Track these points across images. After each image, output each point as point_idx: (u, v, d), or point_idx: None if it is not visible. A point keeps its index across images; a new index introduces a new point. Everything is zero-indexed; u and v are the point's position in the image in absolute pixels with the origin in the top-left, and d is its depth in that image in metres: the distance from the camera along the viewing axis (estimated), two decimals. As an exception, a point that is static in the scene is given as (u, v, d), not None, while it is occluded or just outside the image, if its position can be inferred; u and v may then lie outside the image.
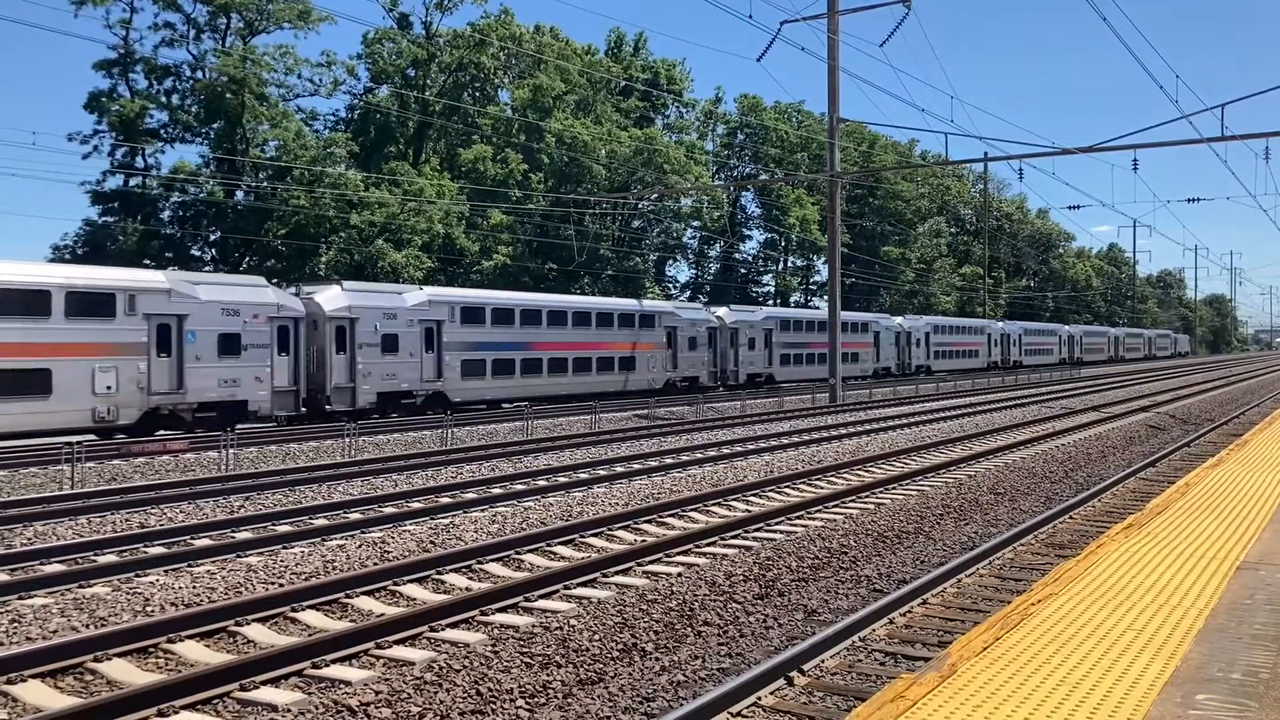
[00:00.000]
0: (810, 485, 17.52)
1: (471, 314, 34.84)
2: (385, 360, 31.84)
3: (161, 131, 52.36)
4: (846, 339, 54.15)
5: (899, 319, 65.97)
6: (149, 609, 9.48)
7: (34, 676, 7.63)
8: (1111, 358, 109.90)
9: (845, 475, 18.71)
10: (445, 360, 33.54)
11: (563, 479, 18.25)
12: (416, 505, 15.37)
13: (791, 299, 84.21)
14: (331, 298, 30.78)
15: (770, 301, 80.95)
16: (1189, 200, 74.80)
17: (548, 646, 8.25)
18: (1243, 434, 21.05)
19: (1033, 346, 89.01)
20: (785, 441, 24.35)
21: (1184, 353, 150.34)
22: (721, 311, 49.39)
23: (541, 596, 9.94)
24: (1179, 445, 23.85)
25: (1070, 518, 14.47)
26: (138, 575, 10.97)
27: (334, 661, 8.01)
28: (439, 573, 10.93)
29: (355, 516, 14.49)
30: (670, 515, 14.48)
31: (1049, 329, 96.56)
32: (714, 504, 15.43)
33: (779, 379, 52.07)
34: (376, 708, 6.97)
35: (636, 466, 19.96)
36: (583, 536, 12.95)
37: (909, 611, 9.55)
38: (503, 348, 35.75)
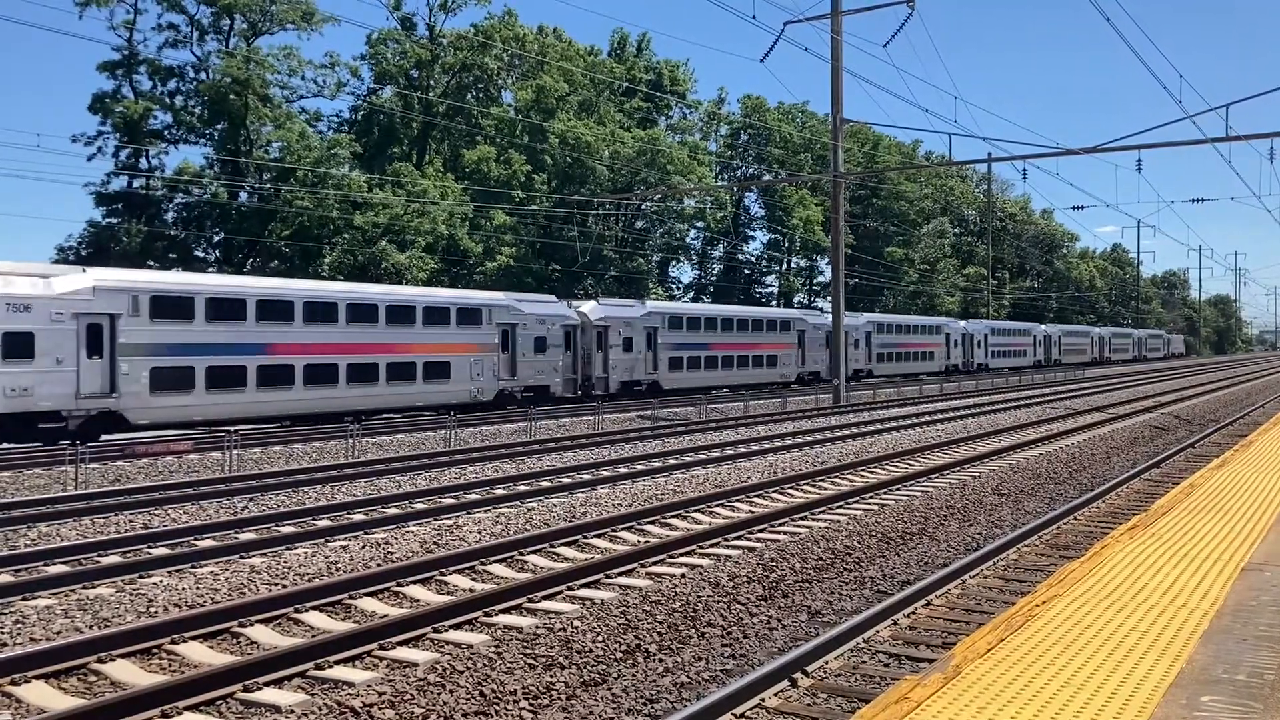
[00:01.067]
0: (814, 486, 17.50)
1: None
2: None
3: (165, 133, 52.60)
4: (762, 338, 50.43)
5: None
6: (153, 610, 9.48)
7: (38, 677, 7.63)
8: (1095, 359, 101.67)
9: (849, 476, 18.69)
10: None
11: (566, 480, 18.25)
12: (420, 506, 15.37)
13: (795, 299, 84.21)
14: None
15: (774, 302, 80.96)
16: (1193, 201, 74.72)
17: (551, 648, 8.25)
18: (1248, 435, 21.01)
19: (1001, 348, 79.27)
20: (789, 442, 24.33)
21: (1177, 354, 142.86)
22: (587, 306, 41.41)
23: (545, 598, 9.93)
24: (1183, 446, 23.81)
25: (1074, 519, 14.44)
26: (141, 576, 10.98)
27: (337, 663, 8.00)
28: (442, 574, 10.92)
29: (359, 517, 14.50)
30: (674, 516, 14.47)
31: (1021, 328, 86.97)
32: (717, 505, 15.42)
33: (667, 387, 43.74)
34: (380, 709, 6.96)
35: (640, 467, 19.96)
36: (586, 537, 12.94)
37: (913, 613, 9.53)
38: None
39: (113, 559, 11.92)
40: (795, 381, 52.69)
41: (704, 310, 50.39)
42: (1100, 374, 74.75)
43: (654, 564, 11.39)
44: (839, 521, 13.88)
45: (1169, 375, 69.98)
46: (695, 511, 14.87)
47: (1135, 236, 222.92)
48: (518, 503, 15.77)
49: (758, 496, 16.28)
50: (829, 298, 50.92)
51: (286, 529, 13.78)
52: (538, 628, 8.81)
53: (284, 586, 10.35)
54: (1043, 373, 62.11)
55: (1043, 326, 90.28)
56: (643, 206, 66.12)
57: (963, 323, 68.92)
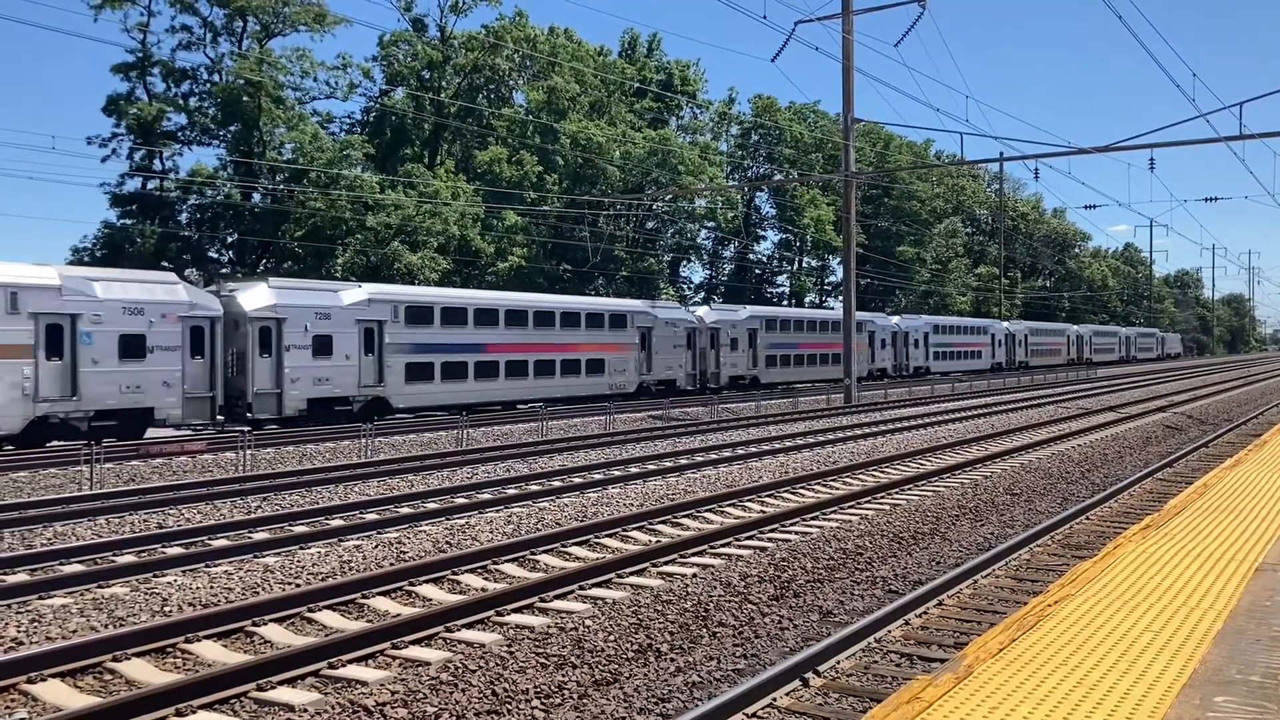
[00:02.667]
0: (825, 486, 17.49)
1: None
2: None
3: (179, 134, 52.78)
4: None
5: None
6: (167, 609, 9.53)
7: (54, 676, 7.68)
8: (1074, 360, 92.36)
9: (860, 476, 18.67)
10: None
11: (578, 479, 18.27)
12: (432, 506, 15.42)
13: (806, 299, 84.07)
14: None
15: (785, 302, 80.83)
16: (1206, 199, 74.11)
17: (563, 647, 8.26)
18: (1262, 434, 20.91)
19: (950, 348, 71.18)
20: (800, 442, 24.31)
21: (1174, 354, 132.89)
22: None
23: (557, 597, 9.95)
24: (1197, 445, 23.71)
25: (1087, 518, 14.41)
26: (156, 575, 11.04)
27: (350, 662, 8.04)
28: (455, 573, 10.95)
29: (372, 517, 14.55)
30: (685, 516, 14.48)
31: (978, 325, 77.72)
32: (729, 505, 15.42)
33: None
34: (392, 708, 6.99)
35: (651, 467, 19.97)
36: (598, 537, 12.96)
37: (925, 613, 9.53)
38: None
39: (128, 558, 11.99)
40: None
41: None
42: (1112, 373, 74.36)
43: (666, 563, 11.40)
44: (850, 521, 13.87)
45: (1181, 375, 69.66)
46: (707, 511, 14.87)
47: (1148, 236, 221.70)
48: (530, 502, 15.80)
49: (769, 496, 16.28)
50: (840, 297, 51.13)
51: (300, 528, 13.84)
52: (550, 627, 8.83)
53: (297, 586, 10.39)
54: (1001, 376, 60.73)
55: (1006, 324, 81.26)
56: (654, 207, 66.07)
57: (896, 319, 69.15)
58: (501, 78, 63.63)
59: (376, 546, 12.29)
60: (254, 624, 9.03)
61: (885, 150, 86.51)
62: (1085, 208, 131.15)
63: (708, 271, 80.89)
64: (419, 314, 32.44)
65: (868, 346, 58.66)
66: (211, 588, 10.29)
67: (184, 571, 11.24)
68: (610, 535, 13.13)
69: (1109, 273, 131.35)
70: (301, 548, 12.45)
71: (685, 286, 75.94)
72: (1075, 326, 78.50)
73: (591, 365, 39.00)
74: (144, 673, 7.91)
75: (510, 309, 35.88)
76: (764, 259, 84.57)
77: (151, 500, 15.82)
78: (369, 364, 30.65)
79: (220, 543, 12.85)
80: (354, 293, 31.11)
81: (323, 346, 29.26)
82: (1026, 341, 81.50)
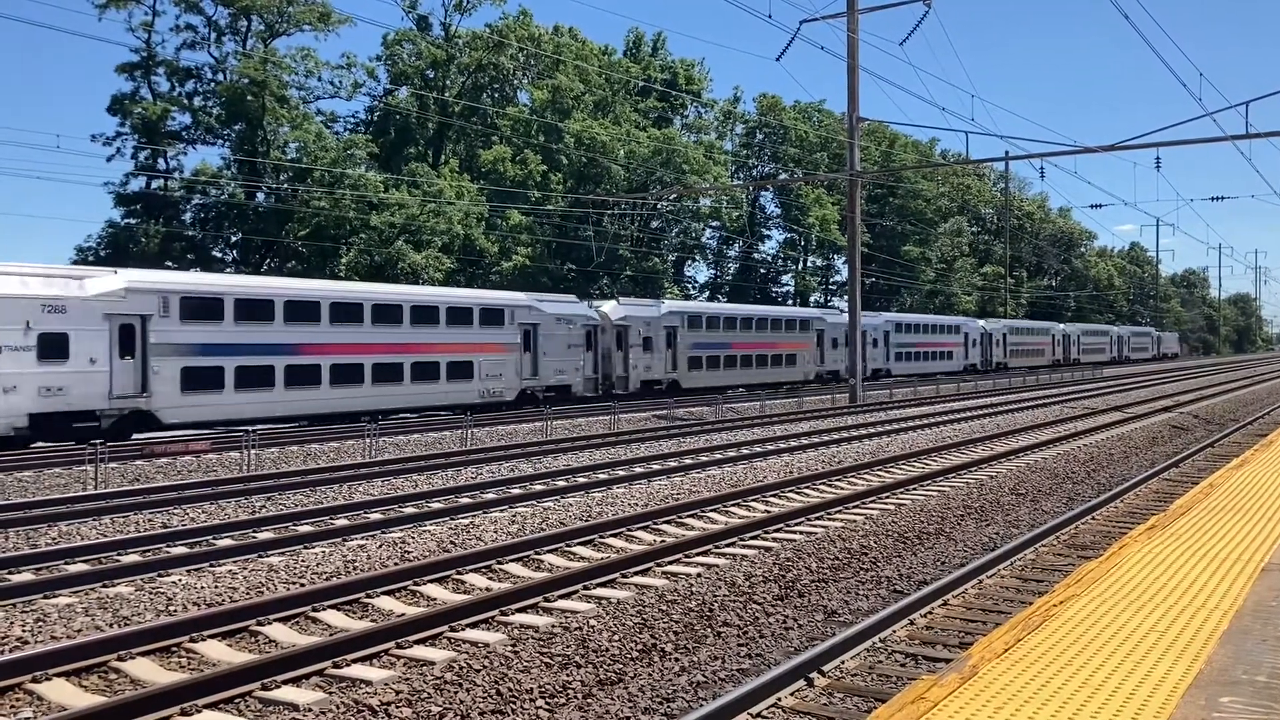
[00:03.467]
0: (830, 486, 17.47)
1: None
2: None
3: (183, 134, 52.87)
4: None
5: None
6: (171, 608, 9.54)
7: (59, 675, 7.69)
8: (1059, 361, 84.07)
9: (865, 476, 18.65)
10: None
11: (582, 479, 18.27)
12: (437, 505, 15.42)
13: (811, 299, 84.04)
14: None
15: (791, 301, 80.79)
16: (1213, 199, 74.03)
17: (567, 647, 8.26)
18: (1268, 434, 20.86)
19: (915, 349, 65.38)
20: (805, 442, 24.29)
21: (1170, 354, 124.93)
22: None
23: (561, 597, 9.94)
24: (1202, 445, 23.67)
25: (1092, 518, 14.38)
26: (160, 575, 11.05)
27: (355, 661, 8.04)
28: (459, 573, 10.95)
29: (376, 517, 14.55)
30: (689, 516, 14.47)
31: (949, 323, 71.65)
32: (733, 505, 15.41)
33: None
34: (397, 707, 6.99)
35: (656, 467, 19.96)
36: (602, 537, 12.96)
37: (930, 612, 9.51)
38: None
39: (132, 558, 12.00)
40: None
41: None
42: (1118, 373, 74.23)
43: (670, 563, 11.40)
44: (855, 521, 13.86)
45: (1187, 375, 69.55)
46: (711, 511, 14.86)
47: (1154, 235, 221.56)
48: (534, 502, 15.79)
49: (774, 496, 16.26)
50: (845, 296, 50.95)
51: (304, 528, 13.84)
52: (554, 627, 8.83)
53: (302, 585, 10.40)
54: (973, 379, 56.91)
55: (980, 323, 74.95)
56: (658, 206, 66.07)
57: (838, 314, 67.26)
58: (506, 77, 63.68)
59: (381, 546, 12.29)
60: (258, 623, 9.03)
61: (890, 149, 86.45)
62: (1091, 207, 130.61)
63: (712, 271, 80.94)
64: (202, 307, 26.98)
65: (814, 347, 53.59)
66: (216, 587, 10.30)
67: (188, 571, 11.25)
68: (615, 535, 13.12)
69: (1115, 272, 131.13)
70: (306, 547, 12.45)
71: (690, 286, 75.97)
72: (1061, 325, 73.52)
73: (455, 369, 33.60)
74: (149, 672, 7.91)
75: (338, 302, 30.60)
76: (769, 258, 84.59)
77: (156, 500, 15.84)
78: (127, 369, 25.11)
79: (225, 542, 12.86)
80: (105, 280, 25.24)
81: (54, 347, 23.62)
82: (1005, 341, 76.24)
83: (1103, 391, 46.76)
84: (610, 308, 41.53)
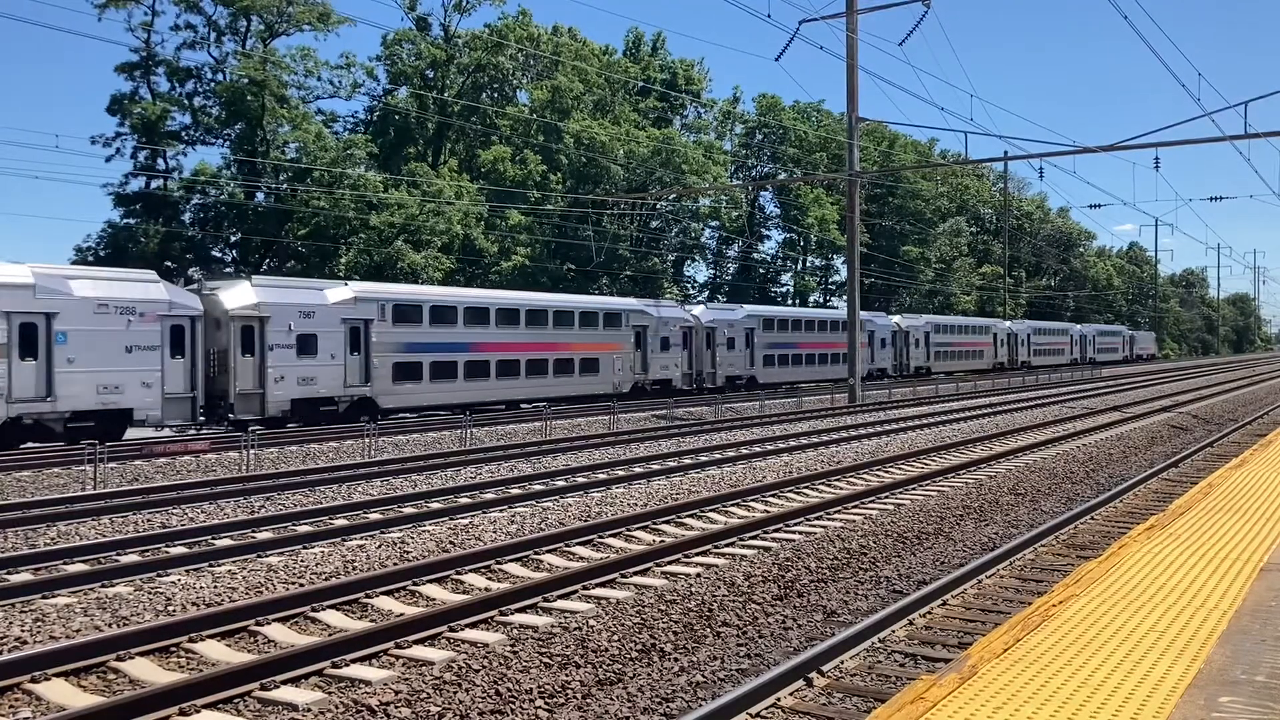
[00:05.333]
0: (829, 486, 17.47)
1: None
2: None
3: (183, 134, 52.83)
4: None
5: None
6: (170, 608, 9.54)
7: (57, 675, 7.68)
8: (1002, 365, 75.67)
9: (864, 476, 18.65)
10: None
11: (581, 479, 18.26)
12: (436, 505, 15.42)
13: (810, 299, 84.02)
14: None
15: (790, 301, 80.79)
16: (1212, 199, 73.84)
17: (567, 647, 8.26)
18: (1267, 434, 20.87)
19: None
20: (804, 442, 24.29)
21: (1145, 355, 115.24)
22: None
23: (560, 597, 9.94)
24: (1201, 445, 23.67)
25: (1091, 518, 14.38)
26: (159, 575, 11.04)
27: (354, 661, 8.04)
28: (458, 573, 10.95)
29: (375, 517, 14.55)
30: (689, 516, 14.47)
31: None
32: (732, 505, 15.41)
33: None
34: (396, 707, 6.99)
35: (655, 467, 19.96)
36: (601, 537, 12.95)
37: (929, 613, 9.51)
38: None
39: (131, 558, 11.99)
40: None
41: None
42: (1120, 373, 74.20)
43: (669, 563, 11.39)
44: (854, 521, 13.86)
45: (1185, 375, 69.56)
46: (710, 511, 14.86)
47: (1153, 235, 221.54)
48: (533, 502, 15.79)
49: (773, 496, 16.26)
50: (844, 296, 51.34)
51: (303, 528, 13.84)
52: (553, 627, 8.83)
53: (301, 585, 10.40)
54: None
55: (923, 319, 68.94)
56: (658, 206, 66.04)
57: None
58: (505, 77, 63.64)
59: (380, 546, 12.29)
60: (257, 623, 9.03)
61: (890, 149, 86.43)
62: (1090, 207, 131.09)
63: (712, 271, 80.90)
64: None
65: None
66: (215, 587, 10.30)
67: (187, 571, 11.24)
68: (614, 535, 13.12)
69: (1114, 272, 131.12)
70: (305, 547, 12.45)
71: (689, 286, 75.94)
72: (1079, 326, 72.82)
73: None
74: (147, 672, 7.91)
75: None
76: (768, 258, 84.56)
77: (155, 500, 15.84)
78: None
79: (224, 542, 12.86)
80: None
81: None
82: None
83: (1102, 391, 46.78)
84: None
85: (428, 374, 32.26)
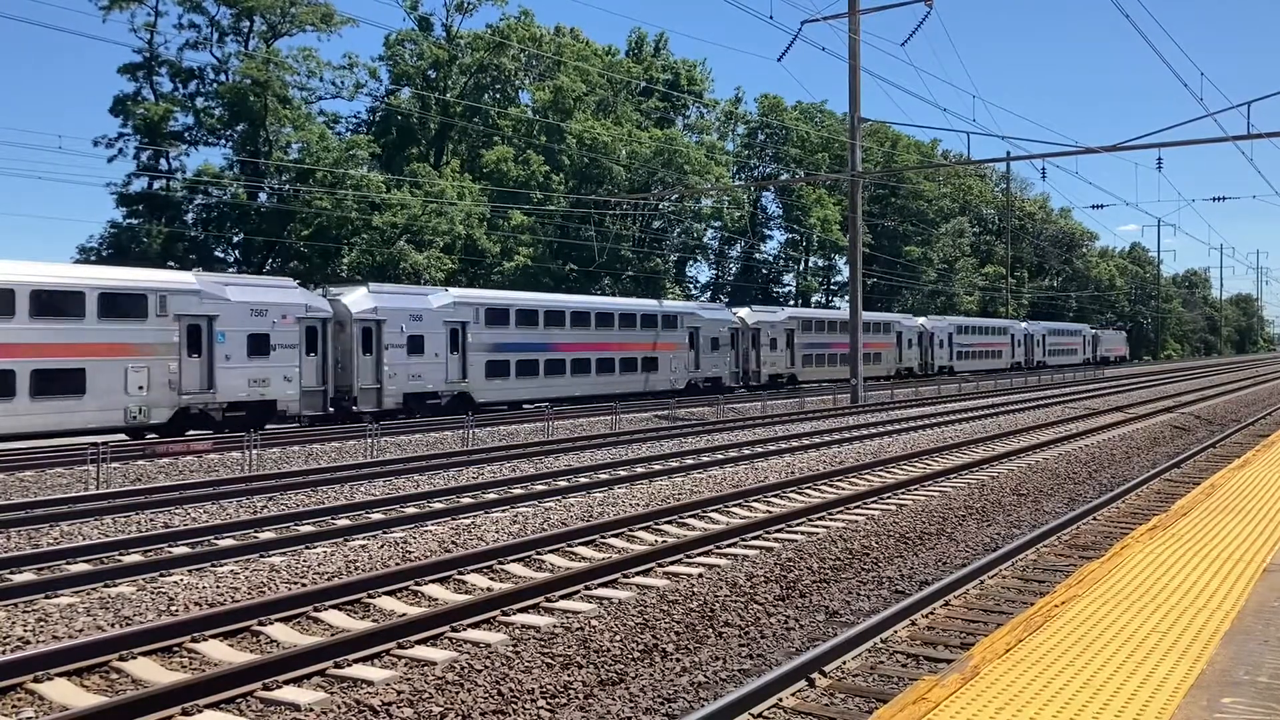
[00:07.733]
0: (831, 486, 17.46)
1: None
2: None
3: (185, 134, 52.84)
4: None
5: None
6: (173, 608, 9.54)
7: (60, 675, 7.69)
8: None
9: (867, 476, 18.64)
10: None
11: (584, 479, 18.26)
12: (438, 505, 15.42)
13: (813, 299, 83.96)
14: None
15: (792, 301, 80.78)
16: (1214, 199, 73.73)
17: (569, 647, 8.26)
18: (1269, 435, 20.85)
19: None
20: (806, 442, 24.28)
21: (1114, 358, 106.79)
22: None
23: (563, 597, 9.94)
24: (1204, 446, 23.65)
25: (1094, 519, 14.37)
26: (162, 575, 11.05)
27: (356, 661, 8.04)
28: (460, 573, 10.95)
29: (377, 517, 14.56)
30: (691, 516, 14.47)
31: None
32: (735, 505, 15.41)
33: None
34: (398, 707, 6.99)
35: (657, 467, 19.96)
36: (604, 537, 12.95)
37: (931, 613, 9.50)
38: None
39: (134, 558, 12.00)
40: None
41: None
42: (1123, 373, 74.09)
43: (671, 564, 11.39)
44: (857, 521, 13.85)
45: (1189, 376, 69.50)
46: (713, 511, 14.86)
47: (1155, 235, 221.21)
48: (535, 502, 15.79)
49: (775, 496, 16.26)
50: (846, 297, 51.67)
51: (305, 528, 13.85)
52: (555, 627, 8.83)
53: (303, 585, 10.40)
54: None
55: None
56: (660, 206, 66.03)
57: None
58: (507, 77, 63.60)
59: (382, 546, 12.30)
60: (260, 623, 9.03)
61: (892, 150, 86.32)
62: (1092, 207, 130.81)
63: (714, 271, 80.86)
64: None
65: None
66: (218, 587, 10.30)
67: (190, 571, 11.25)
68: (616, 535, 13.12)
69: (1116, 272, 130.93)
70: (307, 547, 12.46)
71: (691, 286, 75.92)
72: (921, 319, 66.43)
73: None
74: (150, 672, 7.91)
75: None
76: (770, 259, 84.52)
77: (157, 500, 15.85)
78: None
79: (226, 542, 12.87)
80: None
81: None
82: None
83: (1104, 392, 46.74)
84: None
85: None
